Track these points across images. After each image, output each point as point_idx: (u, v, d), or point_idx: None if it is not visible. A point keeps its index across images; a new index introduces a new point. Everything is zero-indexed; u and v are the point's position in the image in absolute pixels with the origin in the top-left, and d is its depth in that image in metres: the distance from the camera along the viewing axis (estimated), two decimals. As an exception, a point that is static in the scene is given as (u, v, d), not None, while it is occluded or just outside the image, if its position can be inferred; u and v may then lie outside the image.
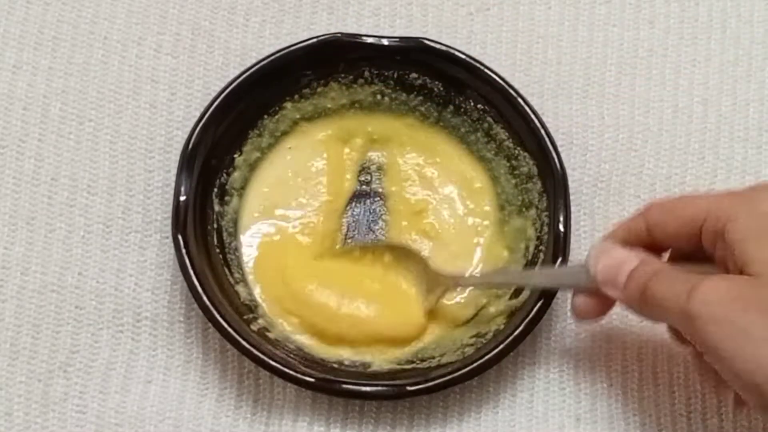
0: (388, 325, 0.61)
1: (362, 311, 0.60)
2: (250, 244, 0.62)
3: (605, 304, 0.57)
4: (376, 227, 0.64)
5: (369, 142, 0.65)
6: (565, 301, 0.62)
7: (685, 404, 0.61)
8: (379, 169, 0.65)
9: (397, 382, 0.57)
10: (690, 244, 0.54)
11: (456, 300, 0.62)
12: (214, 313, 0.57)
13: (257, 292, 0.61)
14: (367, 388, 0.57)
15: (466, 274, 0.63)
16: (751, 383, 0.48)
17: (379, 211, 0.64)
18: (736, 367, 0.49)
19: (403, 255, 0.62)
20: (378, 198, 0.64)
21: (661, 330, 0.61)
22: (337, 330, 0.60)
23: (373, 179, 0.65)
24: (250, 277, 0.62)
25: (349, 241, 0.63)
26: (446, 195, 0.64)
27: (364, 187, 0.65)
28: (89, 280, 0.62)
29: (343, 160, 0.65)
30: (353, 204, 0.64)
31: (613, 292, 0.55)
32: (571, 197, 0.61)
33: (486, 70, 0.62)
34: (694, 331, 0.50)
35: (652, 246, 0.55)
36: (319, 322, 0.60)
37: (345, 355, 0.60)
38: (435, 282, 0.61)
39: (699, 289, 0.50)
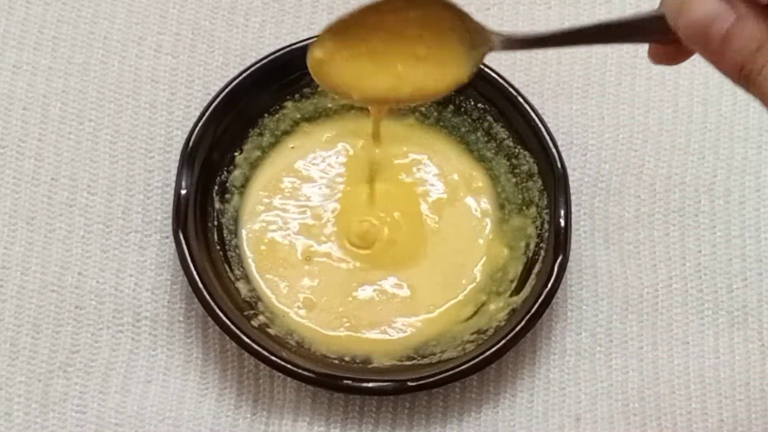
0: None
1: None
2: (249, 242, 0.62)
3: (687, 51, 0.46)
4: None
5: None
6: (565, 301, 0.62)
7: (685, 404, 0.61)
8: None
9: (398, 377, 0.57)
10: None
11: (457, 298, 0.62)
12: (215, 308, 0.57)
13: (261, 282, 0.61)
14: (368, 384, 0.57)
15: (466, 287, 0.62)
16: None
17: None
18: None
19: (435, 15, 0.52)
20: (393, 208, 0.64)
21: (662, 329, 0.62)
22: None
23: (389, 185, 0.65)
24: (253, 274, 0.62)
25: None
26: (446, 195, 0.64)
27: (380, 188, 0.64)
28: (89, 280, 0.62)
29: (354, 160, 0.65)
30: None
31: (701, 52, 0.43)
32: (571, 197, 0.61)
33: (486, 69, 0.62)
34: None
35: None
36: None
37: (348, 348, 0.60)
38: (479, 37, 0.51)
39: None
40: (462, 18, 0.51)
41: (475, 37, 0.51)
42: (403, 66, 0.52)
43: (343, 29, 0.51)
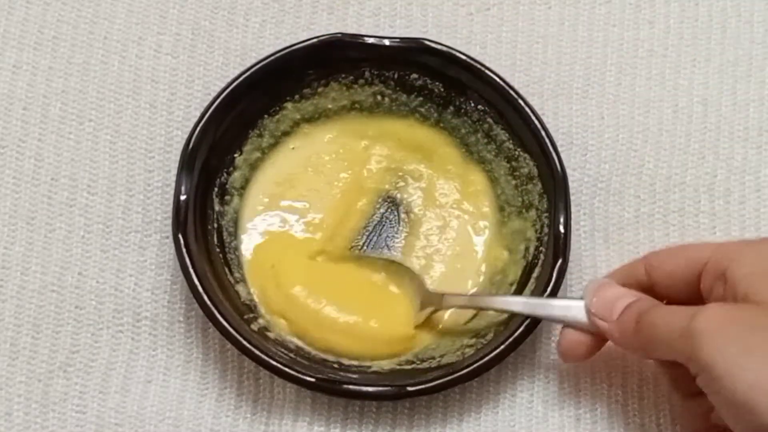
0: (375, 334, 0.60)
1: (350, 318, 0.60)
2: (249, 244, 0.62)
3: (593, 344, 0.57)
4: (393, 243, 0.64)
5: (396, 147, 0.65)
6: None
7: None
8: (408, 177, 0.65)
9: (397, 382, 0.57)
10: (687, 288, 0.55)
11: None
12: (215, 312, 0.57)
13: (252, 290, 0.61)
14: (368, 388, 0.57)
15: (468, 290, 0.62)
16: (744, 402, 0.47)
17: (402, 223, 0.64)
18: (733, 384, 0.48)
19: (401, 270, 0.62)
20: (394, 208, 0.64)
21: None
22: (323, 335, 0.60)
23: (406, 186, 0.65)
24: (247, 277, 0.62)
25: (363, 248, 0.63)
26: (445, 197, 0.64)
27: (379, 189, 0.65)
28: (89, 280, 0.62)
29: (354, 161, 0.64)
30: (379, 212, 0.64)
31: (605, 325, 0.55)
32: (571, 197, 0.61)
33: (486, 71, 0.62)
34: (693, 349, 0.49)
35: (649, 293, 0.56)
36: (307, 325, 0.60)
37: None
38: (427, 299, 0.60)
39: (704, 311, 0.50)
40: (417, 283, 0.61)
41: (425, 300, 0.60)
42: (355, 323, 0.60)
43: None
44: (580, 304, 0.57)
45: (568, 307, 0.57)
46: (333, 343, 0.60)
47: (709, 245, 0.56)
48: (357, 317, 0.60)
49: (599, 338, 0.57)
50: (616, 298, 0.55)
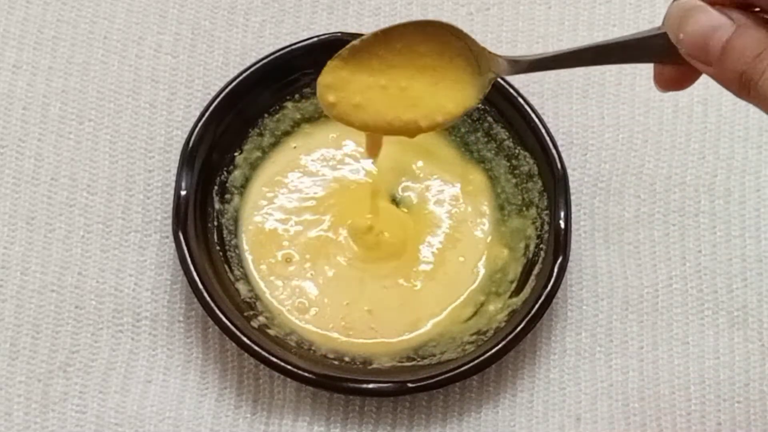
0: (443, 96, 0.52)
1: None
2: (249, 243, 0.62)
3: (695, 70, 0.46)
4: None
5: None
6: (565, 301, 0.62)
7: (685, 405, 0.61)
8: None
9: (398, 378, 0.57)
10: None
11: (457, 299, 0.62)
12: (214, 308, 0.57)
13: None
14: (368, 385, 0.57)
15: (468, 289, 0.62)
16: None
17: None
18: None
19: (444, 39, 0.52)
20: (403, 210, 0.64)
21: (662, 329, 0.62)
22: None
23: (389, 186, 0.65)
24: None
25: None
26: (445, 196, 0.64)
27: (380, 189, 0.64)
28: (89, 280, 0.62)
29: (354, 161, 0.64)
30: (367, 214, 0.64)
31: (704, 68, 0.44)
32: (571, 197, 0.61)
33: (486, 70, 0.62)
34: None
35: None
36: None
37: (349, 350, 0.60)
38: (486, 63, 0.51)
39: None
40: (469, 44, 0.51)
41: (482, 62, 0.51)
42: (413, 93, 0.52)
43: (353, 56, 0.51)
44: (663, 36, 0.45)
45: (649, 44, 0.46)
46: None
47: None
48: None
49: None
50: (711, 28, 0.43)
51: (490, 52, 0.51)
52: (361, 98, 0.52)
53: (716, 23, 0.43)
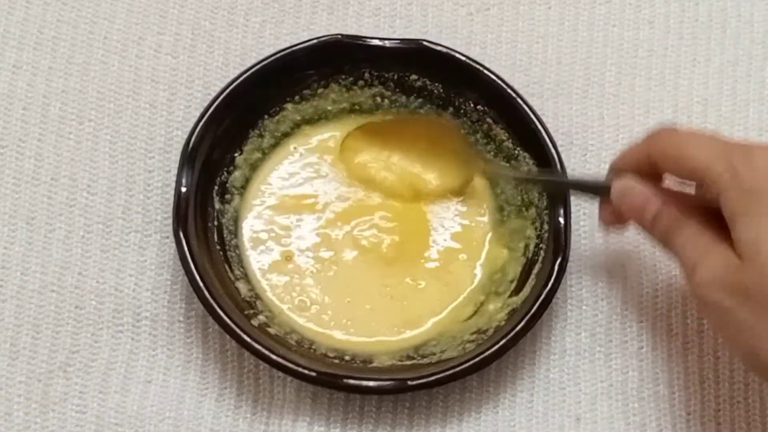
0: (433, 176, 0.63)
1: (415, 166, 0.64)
2: (249, 242, 0.62)
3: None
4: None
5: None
6: (565, 301, 0.62)
7: (684, 405, 0.61)
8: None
9: (398, 376, 0.57)
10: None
11: (456, 299, 0.62)
12: (215, 306, 0.57)
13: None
14: (369, 383, 0.57)
15: (468, 289, 0.63)
16: (751, 364, 0.52)
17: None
18: (733, 348, 0.51)
19: (444, 131, 0.64)
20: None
21: (662, 329, 0.62)
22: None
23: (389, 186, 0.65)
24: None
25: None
26: (445, 196, 0.64)
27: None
28: (89, 280, 0.62)
29: (360, 162, 0.65)
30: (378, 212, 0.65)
31: (636, 225, 0.57)
32: (571, 197, 0.61)
33: (485, 71, 0.62)
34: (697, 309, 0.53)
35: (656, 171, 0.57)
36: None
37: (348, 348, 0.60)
38: (472, 160, 0.63)
39: (698, 269, 0.52)
40: (465, 144, 0.63)
41: (471, 161, 0.63)
42: (408, 171, 0.64)
43: (371, 130, 0.64)
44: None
45: (605, 188, 0.58)
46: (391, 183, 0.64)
47: (703, 153, 0.53)
48: (419, 164, 0.64)
49: None
50: (643, 203, 0.56)
51: (477, 156, 0.63)
52: (369, 163, 0.64)
53: (647, 198, 0.56)
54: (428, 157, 0.64)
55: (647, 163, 0.56)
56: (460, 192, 0.64)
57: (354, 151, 0.64)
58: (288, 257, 0.62)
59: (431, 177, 0.64)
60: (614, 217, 0.59)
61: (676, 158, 0.54)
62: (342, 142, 0.64)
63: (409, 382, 0.57)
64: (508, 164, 0.63)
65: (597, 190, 0.59)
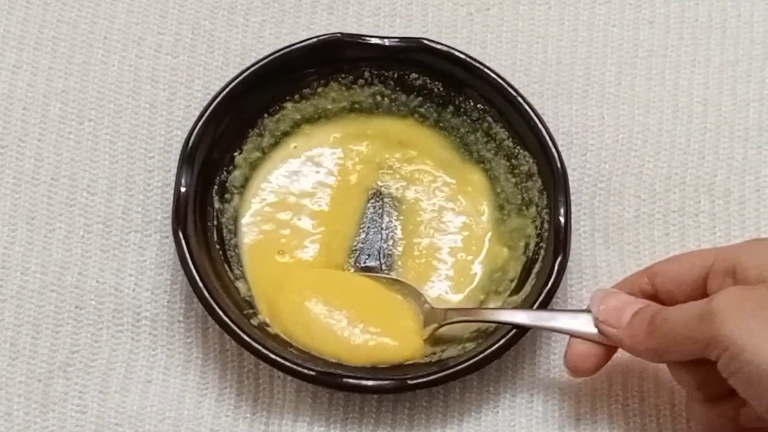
0: (384, 349, 0.60)
1: (363, 336, 0.60)
2: (248, 242, 0.62)
3: (602, 355, 0.57)
4: (392, 243, 0.63)
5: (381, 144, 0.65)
6: (565, 301, 0.62)
7: (685, 405, 0.61)
8: (392, 172, 0.65)
9: (398, 375, 0.57)
10: (694, 293, 0.55)
11: (456, 298, 0.62)
12: (214, 305, 0.57)
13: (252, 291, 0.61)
14: (368, 382, 0.57)
15: (468, 288, 0.62)
16: None
17: (401, 223, 0.64)
18: (758, 357, 0.48)
19: (404, 288, 0.62)
20: (393, 209, 0.64)
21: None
22: (330, 348, 0.60)
23: (406, 186, 0.65)
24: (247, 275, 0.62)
25: (358, 262, 0.63)
26: (445, 196, 0.64)
27: (381, 190, 0.64)
28: (89, 280, 0.62)
29: (355, 163, 0.65)
30: (378, 212, 0.64)
31: (614, 333, 0.55)
32: (571, 197, 0.61)
33: (486, 70, 0.62)
34: (713, 328, 0.50)
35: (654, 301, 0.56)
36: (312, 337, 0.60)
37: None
38: (430, 316, 0.60)
39: (720, 293, 0.51)
40: (420, 301, 0.61)
41: (428, 317, 0.60)
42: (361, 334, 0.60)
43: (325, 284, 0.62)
44: (587, 314, 0.57)
45: (575, 317, 0.57)
46: (340, 354, 0.59)
47: (712, 250, 0.56)
48: (370, 334, 0.60)
49: (608, 349, 0.57)
50: (624, 305, 0.56)
51: (434, 309, 0.60)
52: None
53: (628, 301, 0.56)
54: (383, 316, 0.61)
55: (644, 284, 0.57)
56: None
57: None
58: (288, 256, 0.62)
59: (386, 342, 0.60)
60: (585, 351, 0.57)
61: (682, 259, 0.56)
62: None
63: (409, 382, 0.57)
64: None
65: (570, 320, 0.57)
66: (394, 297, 0.61)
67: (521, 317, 0.58)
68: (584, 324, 0.57)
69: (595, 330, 0.56)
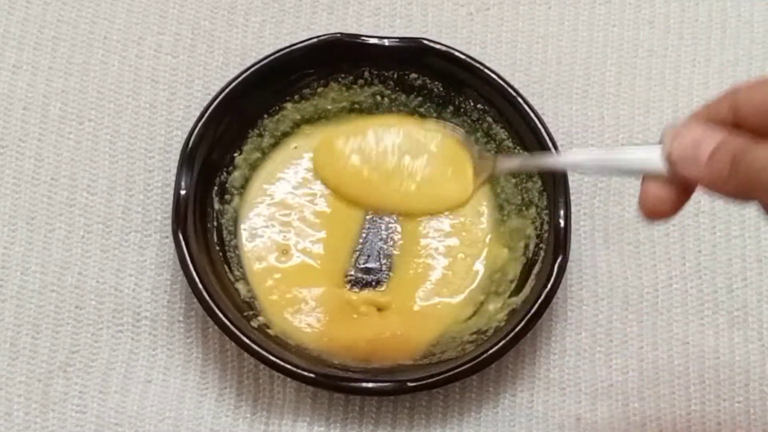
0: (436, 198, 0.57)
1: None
2: (248, 242, 0.62)
3: (679, 196, 0.48)
4: (391, 243, 0.63)
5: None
6: (565, 301, 0.62)
7: (685, 405, 0.61)
8: None
9: (398, 377, 0.57)
10: None
11: (456, 299, 0.62)
12: (214, 308, 0.57)
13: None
14: (368, 384, 0.57)
15: (468, 288, 0.62)
16: None
17: (400, 224, 0.64)
18: None
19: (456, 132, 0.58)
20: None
21: (662, 329, 0.61)
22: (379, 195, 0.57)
23: None
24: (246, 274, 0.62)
25: (358, 262, 0.63)
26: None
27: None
28: (89, 280, 0.62)
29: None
30: (368, 216, 0.64)
31: (691, 171, 0.46)
32: (571, 197, 0.61)
33: (485, 70, 0.62)
34: None
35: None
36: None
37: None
38: (480, 166, 0.55)
39: None
40: (469, 150, 0.56)
41: (478, 165, 0.56)
42: (410, 186, 0.57)
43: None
44: (661, 149, 0.48)
45: (647, 155, 0.48)
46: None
47: None
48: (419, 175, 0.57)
49: (685, 189, 0.48)
50: (700, 139, 0.46)
51: (486, 156, 0.57)
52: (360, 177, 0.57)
53: (705, 133, 0.46)
54: (433, 169, 0.57)
55: (725, 111, 0.47)
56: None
57: (331, 166, 0.58)
58: (288, 257, 0.62)
59: (435, 193, 0.57)
60: (661, 192, 0.48)
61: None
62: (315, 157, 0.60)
63: (409, 383, 0.57)
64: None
65: (640, 160, 0.48)
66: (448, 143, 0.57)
67: (582, 158, 0.51)
68: (659, 162, 0.48)
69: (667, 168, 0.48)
